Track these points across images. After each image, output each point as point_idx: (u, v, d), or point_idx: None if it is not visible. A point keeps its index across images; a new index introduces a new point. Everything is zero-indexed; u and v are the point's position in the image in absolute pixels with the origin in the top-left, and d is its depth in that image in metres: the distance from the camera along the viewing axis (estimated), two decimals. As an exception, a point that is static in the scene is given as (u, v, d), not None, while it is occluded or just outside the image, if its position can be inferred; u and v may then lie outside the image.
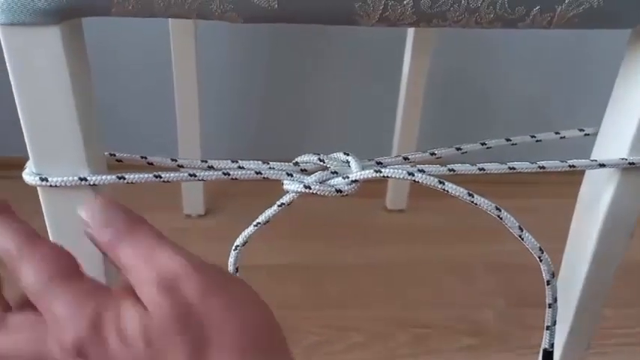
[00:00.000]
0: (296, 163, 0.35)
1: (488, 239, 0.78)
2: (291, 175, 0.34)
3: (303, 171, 0.34)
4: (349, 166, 0.34)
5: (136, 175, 0.35)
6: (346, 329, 0.60)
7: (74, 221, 0.22)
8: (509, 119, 0.91)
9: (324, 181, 0.34)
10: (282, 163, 0.35)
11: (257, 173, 0.35)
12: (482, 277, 0.70)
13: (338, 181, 0.33)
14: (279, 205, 0.36)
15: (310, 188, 0.33)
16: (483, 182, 0.92)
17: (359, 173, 0.33)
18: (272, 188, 0.98)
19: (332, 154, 0.34)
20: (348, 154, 0.34)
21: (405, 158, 0.36)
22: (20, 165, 0.31)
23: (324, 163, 0.34)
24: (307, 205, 0.84)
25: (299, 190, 0.34)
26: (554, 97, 0.89)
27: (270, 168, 0.35)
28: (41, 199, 0.32)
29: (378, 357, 0.57)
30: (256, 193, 0.86)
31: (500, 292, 0.68)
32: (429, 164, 0.36)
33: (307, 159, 0.35)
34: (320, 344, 0.58)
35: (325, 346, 0.58)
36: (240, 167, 0.36)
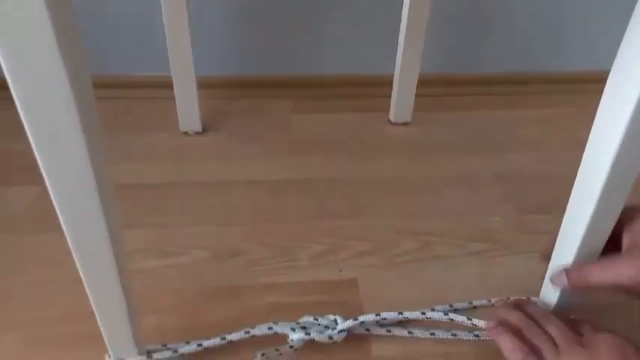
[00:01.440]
0: (298, 322, 0.48)
1: (496, 150, 0.76)
2: (294, 330, 0.47)
3: (303, 328, 0.47)
4: (336, 322, 0.48)
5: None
6: (350, 238, 0.60)
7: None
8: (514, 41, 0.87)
9: (321, 332, 0.47)
10: (288, 322, 0.48)
11: (269, 329, 0.47)
12: (491, 186, 0.69)
13: (330, 332, 0.47)
14: (290, 347, 0.47)
15: (310, 335, 0.47)
16: (497, 94, 0.91)
17: (344, 324, 0.48)
18: (266, 106, 0.97)
19: (325, 316, 0.49)
20: (335, 314, 0.49)
21: (377, 315, 0.48)
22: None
23: (318, 321, 0.48)
24: (310, 122, 0.83)
25: (302, 337, 0.46)
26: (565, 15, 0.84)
27: (278, 325, 0.47)
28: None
29: (383, 264, 0.57)
30: (252, 111, 0.85)
31: (509, 200, 0.67)
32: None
33: (306, 319, 0.48)
34: (325, 253, 0.58)
35: (330, 255, 0.58)
36: (252, 327, 0.48)
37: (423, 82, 0.78)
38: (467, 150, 0.76)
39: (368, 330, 0.49)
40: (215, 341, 0.46)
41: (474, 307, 0.52)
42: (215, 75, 0.85)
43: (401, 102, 0.79)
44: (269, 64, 0.86)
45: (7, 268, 0.54)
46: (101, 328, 0.41)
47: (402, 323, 0.50)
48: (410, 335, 0.49)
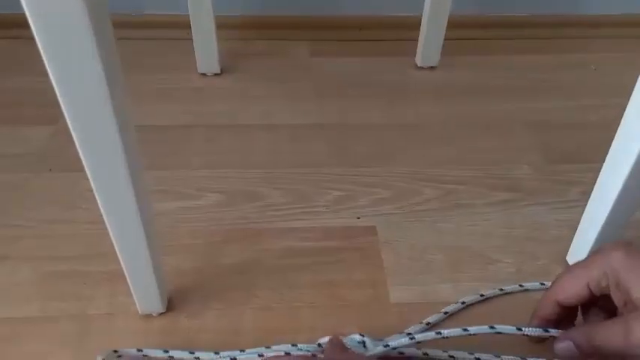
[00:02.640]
0: (319, 345, 0.40)
1: (527, 97, 0.73)
2: (315, 357, 0.39)
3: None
4: (364, 345, 0.40)
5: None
6: (371, 185, 0.59)
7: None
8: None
9: None
10: (308, 345, 0.40)
11: (286, 354, 0.40)
12: (520, 134, 0.66)
13: None
14: None
15: None
16: (531, 38, 0.86)
17: (376, 350, 0.39)
18: (285, 49, 0.95)
19: (349, 336, 0.40)
20: (363, 335, 0.40)
21: (409, 334, 0.41)
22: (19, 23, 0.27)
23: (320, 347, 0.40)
24: (331, 66, 0.80)
25: None
26: None
27: (298, 349, 0.40)
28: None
29: (404, 212, 0.56)
30: (271, 54, 0.82)
31: (538, 148, 0.64)
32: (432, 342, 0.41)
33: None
34: (344, 199, 0.57)
35: (349, 201, 0.57)
36: (268, 347, 0.41)
37: (452, 24, 0.74)
38: (496, 96, 0.73)
39: (402, 353, 0.42)
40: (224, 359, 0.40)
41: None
42: (233, 15, 0.82)
43: (428, 45, 0.76)
44: (289, 4, 0.83)
45: (20, 206, 0.55)
46: (127, 277, 0.41)
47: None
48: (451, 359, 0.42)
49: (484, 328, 0.39)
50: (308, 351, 0.40)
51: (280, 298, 0.47)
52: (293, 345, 0.40)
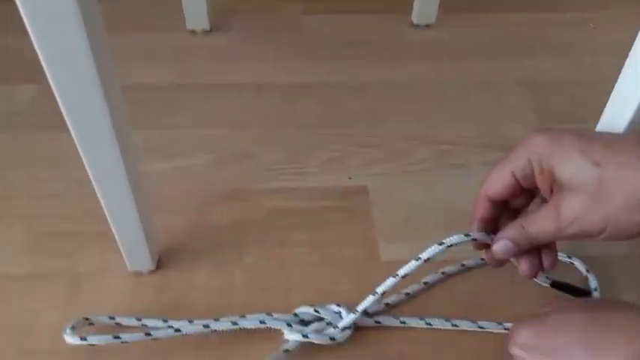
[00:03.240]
0: (295, 315, 0.41)
1: (524, 55, 0.72)
2: (291, 326, 0.40)
3: (302, 321, 0.41)
4: (340, 316, 0.40)
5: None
6: (362, 145, 0.58)
7: None
8: None
9: (320, 330, 0.40)
10: (283, 314, 0.41)
11: (261, 322, 0.40)
12: (514, 93, 0.66)
13: (331, 331, 0.40)
14: (284, 351, 0.39)
15: (308, 337, 0.39)
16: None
17: (347, 319, 0.40)
18: (276, 6, 0.92)
19: (326, 306, 0.41)
20: (339, 305, 0.41)
21: (387, 304, 0.43)
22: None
23: (319, 313, 0.41)
24: (324, 24, 0.78)
25: (298, 339, 0.39)
26: None
27: (273, 319, 0.40)
28: None
29: (397, 172, 0.55)
30: (262, 10, 0.80)
31: (533, 108, 0.64)
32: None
33: (304, 310, 0.41)
34: (335, 160, 0.56)
35: (340, 161, 0.56)
36: (242, 316, 0.41)
37: (449, -20, 0.72)
38: (492, 54, 0.72)
39: (378, 322, 0.42)
40: (197, 327, 0.40)
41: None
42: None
43: (425, 2, 0.74)
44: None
45: (6, 164, 0.54)
46: (115, 236, 0.41)
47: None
48: (428, 327, 0.42)
49: (434, 248, 0.38)
50: (284, 321, 0.40)
51: (271, 257, 0.47)
52: (268, 314, 0.41)
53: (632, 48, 0.38)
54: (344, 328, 0.40)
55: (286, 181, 0.54)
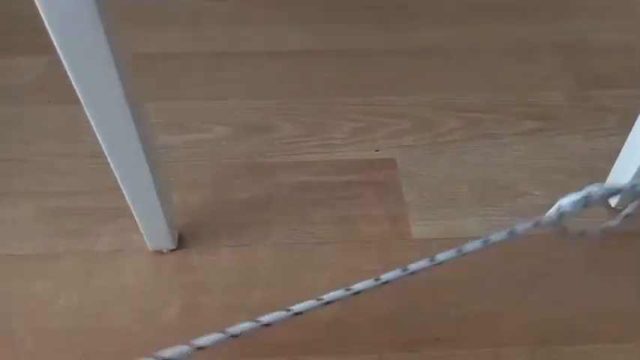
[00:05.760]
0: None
1: (557, 16, 0.69)
2: None
3: None
4: None
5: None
6: (389, 115, 0.57)
7: None
8: None
9: None
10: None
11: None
12: (548, 57, 0.63)
13: None
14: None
15: None
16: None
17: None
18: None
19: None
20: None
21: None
22: None
23: None
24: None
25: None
26: None
27: None
28: None
29: (426, 143, 0.54)
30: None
31: (569, 73, 0.61)
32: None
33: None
34: (360, 131, 0.55)
35: (365, 133, 0.55)
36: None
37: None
38: (523, 16, 0.69)
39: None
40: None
41: None
42: None
43: (450, -40, 0.71)
44: None
45: (18, 140, 0.53)
46: (134, 213, 0.40)
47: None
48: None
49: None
50: None
51: (295, 235, 0.46)
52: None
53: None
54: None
55: (309, 155, 0.53)
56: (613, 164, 0.47)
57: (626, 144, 0.45)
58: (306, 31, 0.67)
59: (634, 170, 0.43)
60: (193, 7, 0.70)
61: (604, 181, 0.48)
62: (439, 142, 0.54)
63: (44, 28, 0.28)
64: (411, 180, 0.50)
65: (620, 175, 0.46)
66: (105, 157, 0.36)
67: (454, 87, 0.60)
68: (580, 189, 0.29)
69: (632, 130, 0.44)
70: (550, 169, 0.51)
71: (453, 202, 0.49)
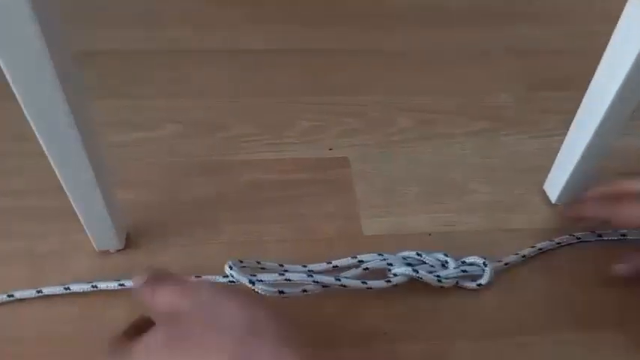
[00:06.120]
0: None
1: (510, 21, 0.71)
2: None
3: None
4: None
5: None
6: (343, 115, 0.57)
7: None
8: None
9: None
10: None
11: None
12: (501, 61, 0.65)
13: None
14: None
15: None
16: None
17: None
18: None
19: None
20: (446, 255, 0.43)
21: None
22: None
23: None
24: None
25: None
26: None
27: None
28: None
29: (378, 142, 0.55)
30: None
31: (520, 76, 0.63)
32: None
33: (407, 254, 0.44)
34: (314, 129, 0.55)
35: (320, 131, 0.55)
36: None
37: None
38: (477, 21, 0.71)
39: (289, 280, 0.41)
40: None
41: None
42: None
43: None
44: None
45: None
46: (77, 213, 0.40)
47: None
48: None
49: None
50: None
51: (247, 234, 0.46)
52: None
53: (622, 15, 0.38)
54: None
55: (262, 153, 0.53)
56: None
57: (563, 144, 0.47)
58: (266, 29, 0.67)
59: (571, 169, 0.45)
60: (147, 4, 0.69)
61: (545, 179, 0.50)
62: (392, 141, 0.55)
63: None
64: (363, 178, 0.51)
65: (558, 173, 0.48)
66: (50, 155, 0.35)
67: (408, 88, 0.61)
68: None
69: (569, 131, 0.46)
70: (496, 167, 0.53)
71: (404, 199, 0.50)
